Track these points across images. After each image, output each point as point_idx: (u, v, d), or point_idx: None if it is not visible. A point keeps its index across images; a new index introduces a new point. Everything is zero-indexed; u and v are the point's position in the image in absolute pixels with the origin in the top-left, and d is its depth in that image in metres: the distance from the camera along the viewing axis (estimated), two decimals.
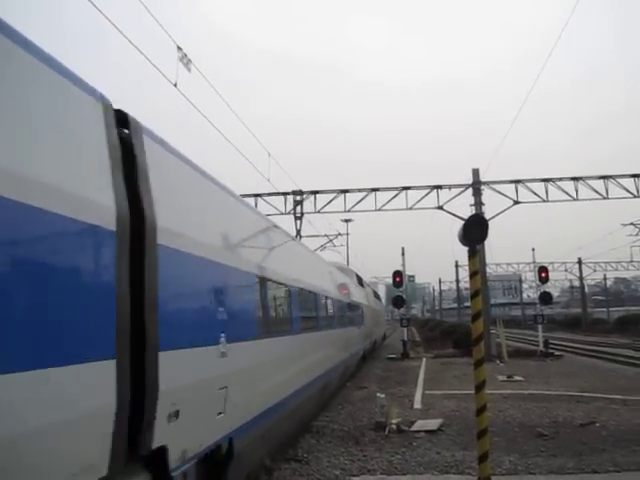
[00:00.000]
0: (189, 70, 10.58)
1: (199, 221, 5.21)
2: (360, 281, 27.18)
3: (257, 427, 6.30)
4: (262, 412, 6.54)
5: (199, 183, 5.57)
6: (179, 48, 10.19)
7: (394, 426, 10.21)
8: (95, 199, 3.38)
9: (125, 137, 3.94)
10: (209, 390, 4.90)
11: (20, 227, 2.77)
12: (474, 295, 6.48)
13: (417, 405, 12.97)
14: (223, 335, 5.10)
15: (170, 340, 4.06)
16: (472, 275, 6.49)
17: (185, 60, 10.47)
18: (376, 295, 40.60)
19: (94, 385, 3.19)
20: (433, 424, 10.52)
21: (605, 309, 76.28)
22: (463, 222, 6.64)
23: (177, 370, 4.15)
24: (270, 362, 7.27)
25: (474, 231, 6.28)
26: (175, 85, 9.87)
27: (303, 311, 10.11)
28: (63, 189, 3.11)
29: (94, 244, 3.39)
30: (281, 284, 8.37)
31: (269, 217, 11.04)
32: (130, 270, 3.60)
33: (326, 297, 13.17)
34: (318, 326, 11.95)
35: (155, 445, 3.83)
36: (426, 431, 10.08)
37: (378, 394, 14.58)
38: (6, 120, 2.84)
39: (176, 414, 4.11)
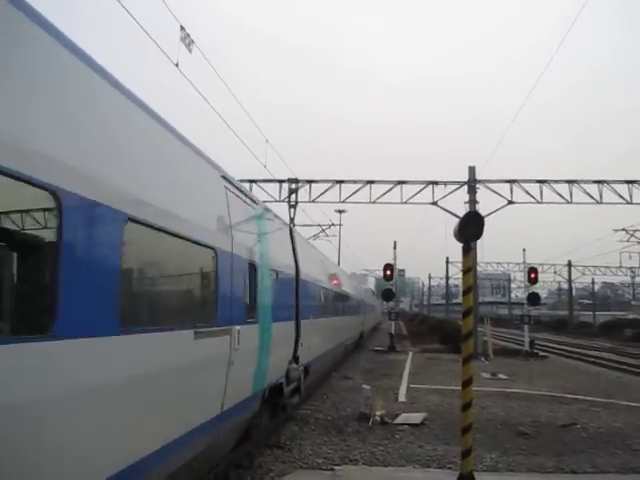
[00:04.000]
0: (190, 51, 10.48)
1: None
2: (372, 292, 51.66)
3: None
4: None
5: None
6: (182, 28, 10.09)
7: (378, 418, 10.26)
8: None
9: None
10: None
11: None
12: (466, 292, 6.49)
13: (402, 398, 13.05)
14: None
15: (303, 314, 10.46)
16: (465, 272, 6.50)
17: (187, 40, 10.36)
18: (373, 293, 57.44)
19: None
20: (416, 418, 10.59)
21: (591, 313, 76.95)
22: (459, 218, 6.64)
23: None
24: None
25: (470, 228, 6.27)
26: (177, 65, 9.77)
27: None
28: None
29: None
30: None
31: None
32: None
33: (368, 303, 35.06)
34: (362, 311, 29.84)
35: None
36: (409, 424, 10.14)
37: (363, 385, 14.62)
38: None
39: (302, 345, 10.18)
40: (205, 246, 5.19)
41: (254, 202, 7.97)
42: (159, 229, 4.22)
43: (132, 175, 4.09)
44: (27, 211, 3.03)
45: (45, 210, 3.05)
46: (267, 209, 9.17)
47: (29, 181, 2.79)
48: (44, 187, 2.90)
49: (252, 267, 6.85)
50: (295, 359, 9.62)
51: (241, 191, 7.30)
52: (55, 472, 3.05)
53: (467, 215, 6.84)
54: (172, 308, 4.88)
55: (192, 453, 4.97)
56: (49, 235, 3.02)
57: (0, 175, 2.61)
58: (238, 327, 5.95)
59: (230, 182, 6.60)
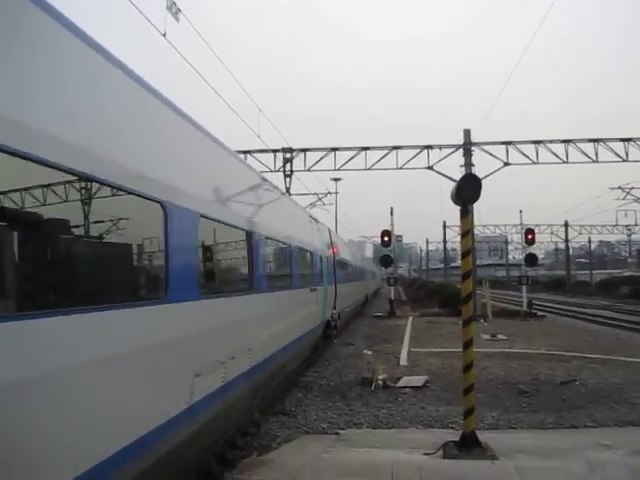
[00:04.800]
0: (177, 20, 10.25)
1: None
2: (372, 260, 56.30)
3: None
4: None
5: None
6: None
7: (380, 382, 10.41)
8: None
9: None
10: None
11: None
12: (465, 255, 6.51)
13: (403, 362, 13.22)
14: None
15: (338, 281, 16.46)
16: (463, 235, 6.51)
17: (174, 9, 10.13)
18: (373, 261, 60.84)
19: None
20: (418, 380, 10.75)
21: (588, 272, 77.55)
22: (457, 181, 6.62)
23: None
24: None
25: (467, 191, 6.25)
26: (164, 35, 9.57)
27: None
28: None
29: None
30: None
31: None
32: None
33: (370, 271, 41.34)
34: (366, 278, 35.20)
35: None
36: (411, 387, 10.30)
37: (365, 351, 14.79)
38: None
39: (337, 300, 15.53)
40: (309, 251, 11.97)
41: (317, 221, 14.66)
42: (306, 250, 11.51)
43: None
44: None
45: None
46: (321, 223, 15.84)
47: None
48: None
49: (321, 257, 13.54)
50: (334, 307, 15.53)
51: (314, 219, 14.31)
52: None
53: (464, 178, 6.81)
54: (305, 279, 11.10)
55: (309, 338, 11.70)
56: None
57: None
58: (318, 287, 12.66)
59: (310, 216, 14.06)
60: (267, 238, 7.73)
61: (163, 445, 4.10)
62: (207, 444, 5.46)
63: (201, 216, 5.02)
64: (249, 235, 6.61)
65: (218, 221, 5.69)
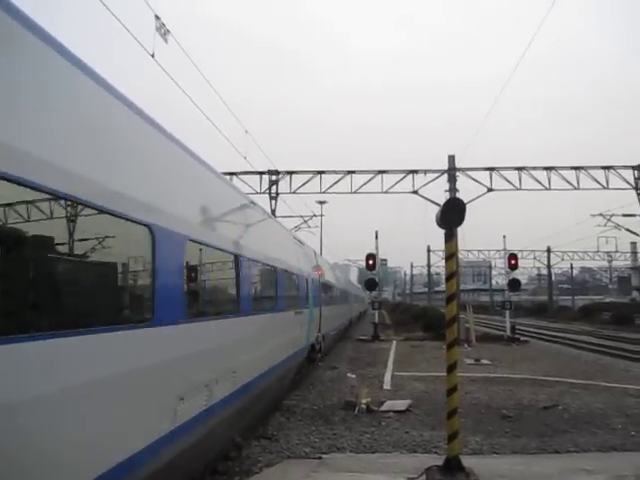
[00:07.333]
0: (166, 41, 10.34)
1: None
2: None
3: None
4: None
5: None
6: (157, 17, 9.96)
7: (364, 406, 10.32)
8: None
9: None
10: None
11: None
12: (449, 278, 6.54)
13: (387, 386, 13.13)
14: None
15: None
16: (448, 258, 6.55)
17: (163, 30, 10.23)
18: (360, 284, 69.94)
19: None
20: (402, 404, 10.68)
21: (570, 297, 78.26)
22: (441, 205, 6.68)
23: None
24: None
25: (452, 214, 6.31)
26: (152, 56, 9.64)
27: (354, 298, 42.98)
28: None
29: None
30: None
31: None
32: None
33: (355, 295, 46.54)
34: (350, 301, 35.13)
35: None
36: (395, 411, 10.22)
37: (349, 374, 14.70)
38: None
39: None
40: (355, 295, 41.32)
41: (352, 282, 47.36)
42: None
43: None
44: None
45: None
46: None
47: None
48: None
49: (355, 296, 40.13)
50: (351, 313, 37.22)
51: (351, 282, 48.69)
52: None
53: (449, 201, 6.88)
54: (352, 301, 36.70)
55: (358, 316, 45.56)
56: None
57: None
58: (355, 304, 40.01)
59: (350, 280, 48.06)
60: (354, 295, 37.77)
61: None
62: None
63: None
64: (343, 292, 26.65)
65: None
